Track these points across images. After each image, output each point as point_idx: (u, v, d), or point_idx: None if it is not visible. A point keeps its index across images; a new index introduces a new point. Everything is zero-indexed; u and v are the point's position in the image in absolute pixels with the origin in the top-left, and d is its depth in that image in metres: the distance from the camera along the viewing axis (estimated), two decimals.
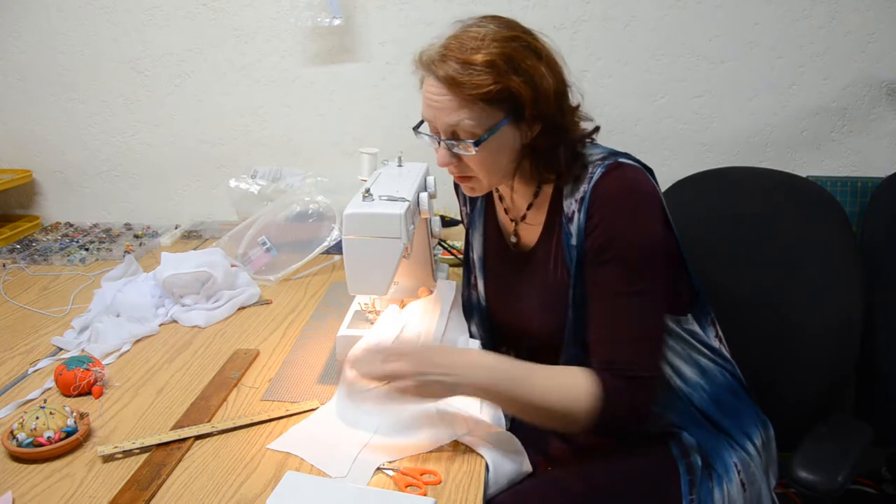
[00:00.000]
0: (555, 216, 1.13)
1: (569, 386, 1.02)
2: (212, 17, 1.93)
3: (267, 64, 1.96)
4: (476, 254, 1.29)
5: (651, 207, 1.06)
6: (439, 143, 1.09)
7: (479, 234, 1.28)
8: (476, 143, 1.04)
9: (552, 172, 1.11)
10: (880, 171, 1.79)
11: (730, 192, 1.50)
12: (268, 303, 1.57)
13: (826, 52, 1.80)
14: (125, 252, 1.82)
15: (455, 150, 1.08)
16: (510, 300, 1.22)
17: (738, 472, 1.11)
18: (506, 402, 1.05)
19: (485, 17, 1.07)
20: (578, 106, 1.11)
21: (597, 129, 1.14)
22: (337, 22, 1.85)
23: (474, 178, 1.11)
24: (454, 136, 1.06)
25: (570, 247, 1.08)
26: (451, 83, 1.02)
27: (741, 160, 1.90)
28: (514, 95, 1.02)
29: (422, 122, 1.13)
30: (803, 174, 1.58)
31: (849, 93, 1.83)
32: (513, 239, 1.22)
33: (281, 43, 1.93)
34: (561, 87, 1.07)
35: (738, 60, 1.83)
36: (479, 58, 1.01)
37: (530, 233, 1.18)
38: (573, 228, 1.07)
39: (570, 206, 1.08)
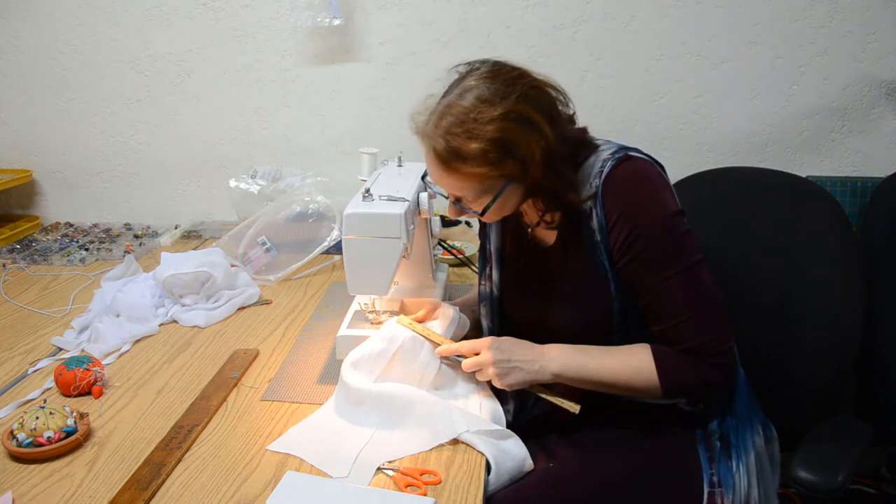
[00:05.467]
0: (570, 215, 1.14)
1: (634, 365, 1.08)
2: (212, 17, 1.93)
3: (267, 64, 1.96)
4: (493, 245, 1.29)
5: (661, 185, 1.08)
6: (447, 198, 1.13)
7: (496, 226, 1.29)
8: (482, 213, 1.09)
9: (558, 204, 1.11)
10: (880, 171, 1.79)
11: (730, 192, 1.50)
12: (268, 303, 1.57)
13: (826, 52, 1.80)
14: (125, 252, 1.82)
15: (463, 208, 1.13)
16: (526, 294, 1.23)
17: (754, 453, 1.12)
18: (580, 383, 1.11)
19: (480, 78, 1.03)
20: (574, 125, 1.11)
21: (585, 157, 1.12)
22: (337, 22, 1.85)
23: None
24: (460, 199, 1.10)
25: (595, 243, 1.09)
26: (445, 165, 1.04)
27: (741, 160, 1.90)
28: (508, 173, 1.04)
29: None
30: (803, 174, 1.58)
31: (849, 93, 1.83)
32: (531, 242, 1.22)
33: (281, 43, 1.93)
34: (556, 140, 1.04)
35: (738, 60, 1.83)
36: (472, 147, 1.00)
37: (547, 231, 1.19)
38: (594, 224, 1.09)
39: (586, 204, 1.10)
